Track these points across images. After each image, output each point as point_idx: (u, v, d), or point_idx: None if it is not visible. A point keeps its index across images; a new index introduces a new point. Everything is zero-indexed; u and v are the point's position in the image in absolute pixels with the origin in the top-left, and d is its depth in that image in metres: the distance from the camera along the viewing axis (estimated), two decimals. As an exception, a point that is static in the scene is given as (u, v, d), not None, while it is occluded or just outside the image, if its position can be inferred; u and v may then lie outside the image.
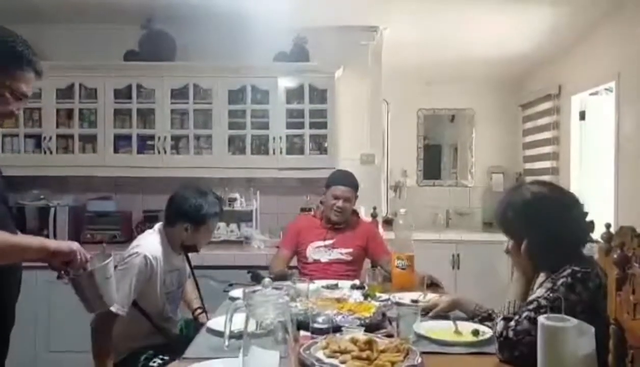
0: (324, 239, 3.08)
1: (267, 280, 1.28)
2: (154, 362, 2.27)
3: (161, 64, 3.93)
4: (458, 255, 4.92)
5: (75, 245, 1.57)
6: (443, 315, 2.05)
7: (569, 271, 1.60)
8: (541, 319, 1.10)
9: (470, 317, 2.01)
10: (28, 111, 3.94)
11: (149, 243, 2.35)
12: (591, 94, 4.23)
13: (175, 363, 1.99)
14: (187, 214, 2.40)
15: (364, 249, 3.10)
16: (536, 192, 1.76)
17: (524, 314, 1.58)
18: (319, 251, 3.06)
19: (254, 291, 1.32)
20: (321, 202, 3.24)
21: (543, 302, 1.57)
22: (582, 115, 4.34)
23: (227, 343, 1.55)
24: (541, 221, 1.68)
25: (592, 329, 1.07)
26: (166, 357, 2.27)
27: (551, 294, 1.57)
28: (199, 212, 2.40)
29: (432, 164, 5.70)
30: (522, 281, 1.75)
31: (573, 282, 1.57)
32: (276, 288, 1.28)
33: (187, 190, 2.48)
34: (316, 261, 3.04)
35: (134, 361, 2.31)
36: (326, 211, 3.12)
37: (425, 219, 5.47)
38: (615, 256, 1.43)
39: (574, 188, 4.29)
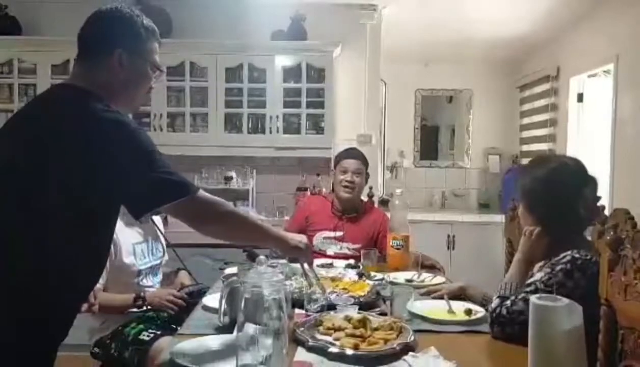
0: (334, 230, 2.93)
1: (262, 258, 1.28)
2: (144, 335, 2.28)
3: (157, 40, 3.89)
4: (453, 236, 4.95)
5: (306, 240, 1.77)
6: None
7: (569, 257, 1.61)
8: (533, 298, 1.11)
9: (477, 304, 1.96)
10: (23, 87, 3.93)
11: None
12: (589, 76, 4.22)
13: (168, 338, 2.02)
14: None
15: (373, 242, 2.92)
16: (562, 162, 1.79)
17: (521, 296, 1.60)
18: (327, 242, 2.92)
19: (249, 269, 1.33)
20: (333, 189, 3.10)
21: (541, 286, 1.59)
22: (580, 97, 4.33)
23: (222, 319, 1.57)
24: (561, 191, 1.69)
25: (581, 309, 1.08)
26: (158, 332, 2.29)
27: (549, 280, 1.59)
28: None
29: (429, 145, 5.71)
30: (522, 263, 1.75)
31: (572, 269, 1.59)
32: (271, 266, 1.29)
33: None
34: (322, 252, 2.90)
35: (123, 336, 2.32)
36: (336, 190, 2.97)
37: (421, 200, 5.51)
38: (608, 237, 1.44)
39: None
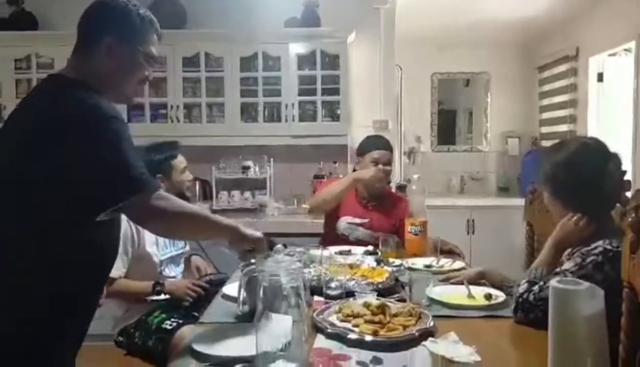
0: (359, 217, 2.89)
1: (279, 246, 1.29)
2: (166, 324, 2.32)
3: (172, 31, 3.88)
4: (473, 220, 4.91)
5: (261, 234, 1.61)
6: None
7: (600, 249, 1.59)
8: (553, 282, 1.10)
9: (497, 289, 1.93)
10: (37, 81, 3.97)
11: None
12: (610, 55, 4.14)
13: (190, 326, 2.05)
14: (154, 170, 2.41)
15: (395, 231, 2.83)
16: (582, 143, 1.77)
17: (548, 283, 1.58)
18: (349, 227, 2.88)
19: (267, 257, 1.33)
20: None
21: (569, 275, 1.57)
22: (600, 77, 4.25)
23: (241, 308, 1.58)
24: (583, 173, 1.67)
25: (602, 293, 1.06)
26: (180, 321, 2.33)
27: (579, 270, 1.57)
28: (161, 162, 2.49)
29: (446, 129, 5.65)
30: (554, 249, 1.73)
31: (602, 262, 1.56)
32: (288, 255, 1.30)
33: (143, 150, 2.50)
34: (344, 236, 2.87)
35: (146, 325, 2.37)
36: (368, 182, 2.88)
37: (440, 185, 5.47)
38: (629, 219, 1.42)
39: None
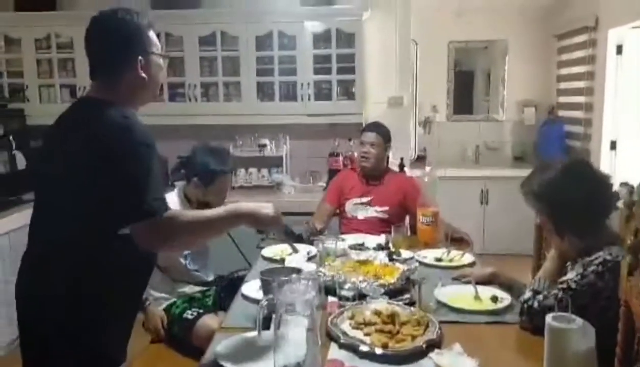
0: (362, 196, 3.13)
1: (294, 276, 1.38)
2: (187, 314, 2.44)
3: (187, 11, 3.93)
4: (487, 191, 4.97)
5: (275, 213, 1.64)
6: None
7: (601, 259, 1.67)
8: (548, 318, 1.18)
9: (506, 291, 2.01)
10: (62, 61, 4.06)
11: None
12: (633, 28, 4.05)
13: (211, 315, 2.20)
14: (197, 171, 2.51)
15: (402, 206, 3.09)
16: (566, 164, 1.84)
17: (553, 292, 1.68)
18: (356, 207, 3.12)
19: (281, 285, 1.40)
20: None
21: (572, 285, 1.67)
22: (619, 50, 4.19)
23: (260, 339, 1.63)
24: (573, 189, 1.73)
25: (593, 331, 1.15)
26: (200, 310, 2.46)
27: (581, 280, 1.66)
28: (207, 169, 2.50)
29: (463, 97, 5.63)
30: (557, 260, 1.85)
31: (603, 271, 1.65)
32: (305, 279, 1.38)
33: (201, 148, 2.60)
34: (353, 217, 3.12)
35: (168, 315, 2.48)
36: (358, 160, 3.23)
37: (454, 155, 5.50)
38: (628, 242, 1.48)
39: (606, 127, 4.22)
